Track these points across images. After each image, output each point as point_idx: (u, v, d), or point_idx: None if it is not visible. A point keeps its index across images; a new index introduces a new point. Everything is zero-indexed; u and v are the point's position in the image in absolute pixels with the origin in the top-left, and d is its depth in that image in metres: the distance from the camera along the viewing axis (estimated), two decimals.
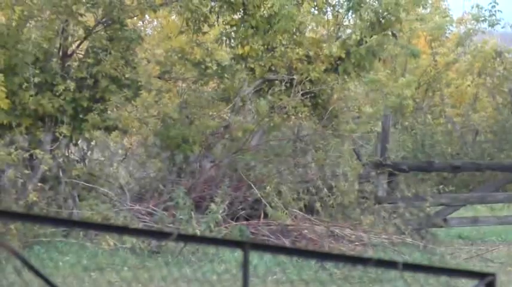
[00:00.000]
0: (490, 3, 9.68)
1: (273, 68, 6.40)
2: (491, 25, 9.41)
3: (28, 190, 5.45)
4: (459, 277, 1.83)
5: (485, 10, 9.69)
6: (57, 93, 5.52)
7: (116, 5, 5.48)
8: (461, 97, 9.35)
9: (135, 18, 5.83)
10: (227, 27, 6.15)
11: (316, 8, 6.44)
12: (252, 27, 5.98)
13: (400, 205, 7.14)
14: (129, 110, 5.78)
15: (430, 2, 7.89)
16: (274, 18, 6.01)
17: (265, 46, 6.24)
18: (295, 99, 6.31)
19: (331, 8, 6.64)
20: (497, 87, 9.38)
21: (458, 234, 7.69)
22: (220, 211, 6.27)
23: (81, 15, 5.50)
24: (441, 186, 7.41)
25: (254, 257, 4.59)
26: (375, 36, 6.43)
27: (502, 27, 9.94)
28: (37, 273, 1.40)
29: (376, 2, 6.64)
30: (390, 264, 1.54)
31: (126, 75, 5.64)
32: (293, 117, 6.41)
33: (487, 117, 9.17)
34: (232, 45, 6.26)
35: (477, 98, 9.53)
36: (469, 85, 9.22)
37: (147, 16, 6.12)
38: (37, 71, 5.35)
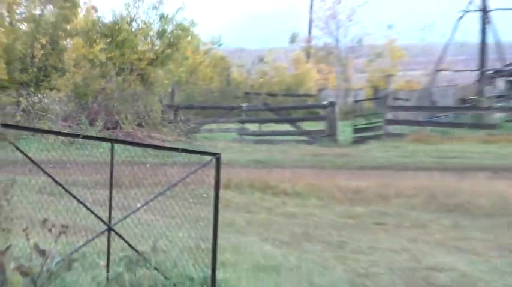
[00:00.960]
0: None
1: (123, 63, 14.71)
2: (219, 45, 20.58)
3: (16, 115, 12.50)
4: (203, 155, 3.75)
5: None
6: (29, 73, 12.62)
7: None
8: (206, 77, 20.09)
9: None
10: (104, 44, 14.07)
11: (143, 36, 14.91)
12: (116, 45, 14.04)
13: (181, 124, 16.65)
14: (61, 80, 13.36)
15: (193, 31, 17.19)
16: (124, 42, 14.23)
17: (120, 53, 14.44)
18: (133, 77, 14.82)
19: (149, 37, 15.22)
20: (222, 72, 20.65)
21: (205, 137, 17.68)
22: (100, 126, 14.39)
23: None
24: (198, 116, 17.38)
25: (118, 147, 13.08)
26: (169, 50, 15.32)
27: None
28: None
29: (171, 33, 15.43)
30: (174, 149, 10.52)
31: (60, 65, 13.16)
32: (133, 85, 14.94)
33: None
34: (106, 52, 14.20)
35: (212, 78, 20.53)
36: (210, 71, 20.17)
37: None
38: (20, 63, 12.40)
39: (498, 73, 19.68)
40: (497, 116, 15.70)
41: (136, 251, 3.34)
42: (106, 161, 3.75)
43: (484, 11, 16.60)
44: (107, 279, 3.24)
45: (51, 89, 12.95)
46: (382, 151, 13.04)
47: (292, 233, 6.10)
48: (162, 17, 14.09)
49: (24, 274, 2.76)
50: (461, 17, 18.53)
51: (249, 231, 6.06)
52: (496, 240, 5.90)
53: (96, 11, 14.13)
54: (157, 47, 15.22)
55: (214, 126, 17.33)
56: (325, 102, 15.33)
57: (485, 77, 19.02)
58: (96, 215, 3.34)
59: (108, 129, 14.44)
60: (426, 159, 12.50)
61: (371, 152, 13.05)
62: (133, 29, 13.93)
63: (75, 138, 7.65)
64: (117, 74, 14.31)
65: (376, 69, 21.22)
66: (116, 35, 13.82)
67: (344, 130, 15.20)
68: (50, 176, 3.23)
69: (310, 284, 4.10)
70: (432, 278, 4.48)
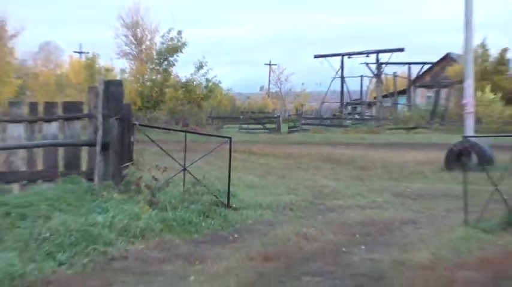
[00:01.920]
0: None
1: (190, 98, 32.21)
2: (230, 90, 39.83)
3: (144, 121, 29.97)
4: (224, 138, 7.15)
5: None
6: (150, 102, 30.01)
7: None
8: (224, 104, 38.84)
9: None
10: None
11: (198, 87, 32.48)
12: (187, 91, 31.72)
13: (214, 124, 33.93)
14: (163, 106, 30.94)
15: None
16: (191, 90, 31.81)
17: (189, 94, 32.06)
18: (194, 105, 32.47)
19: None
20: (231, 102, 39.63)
21: (225, 131, 34.56)
22: (180, 125, 31.73)
23: None
24: None
25: (188, 135, 29.03)
26: (210, 93, 32.81)
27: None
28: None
29: None
30: (211, 135, 23.79)
31: (163, 99, 30.69)
32: (194, 108, 32.64)
33: None
34: (183, 94, 31.84)
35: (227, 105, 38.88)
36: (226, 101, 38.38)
37: None
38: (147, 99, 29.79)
39: (348, 103, 39.98)
40: (348, 122, 33.22)
41: (196, 178, 6.22)
42: (182, 140, 6.68)
43: (342, 77, 34.15)
44: (183, 191, 6.16)
45: (159, 110, 30.13)
46: (300, 136, 29.46)
47: (262, 172, 10.99)
48: (207, 79, 30.93)
49: (147, 187, 5.67)
50: (333, 79, 38.32)
51: (243, 170, 10.18)
52: (349, 175, 10.75)
53: (178, 77, 31.42)
54: (204, 92, 32.07)
55: (228, 125, 34.25)
56: (276, 115, 33.24)
57: (343, 105, 38.49)
58: (177, 162, 6.22)
59: (184, 126, 31.55)
60: (318, 140, 28.47)
61: (295, 137, 29.36)
62: (194, 83, 30.88)
63: (169, 131, 13.74)
64: (188, 103, 31.43)
65: (297, 101, 45.94)
66: (187, 86, 30.92)
67: (284, 127, 31.96)
68: (158, 145, 6.34)
69: (270, 192, 7.63)
70: (322, 190, 8.20)
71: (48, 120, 6.18)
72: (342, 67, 35.67)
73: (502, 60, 26.49)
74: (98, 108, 5.90)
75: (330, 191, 8.23)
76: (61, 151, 6.23)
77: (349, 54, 34.19)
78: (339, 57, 34.99)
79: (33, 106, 6.43)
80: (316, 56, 35.74)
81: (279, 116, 31.51)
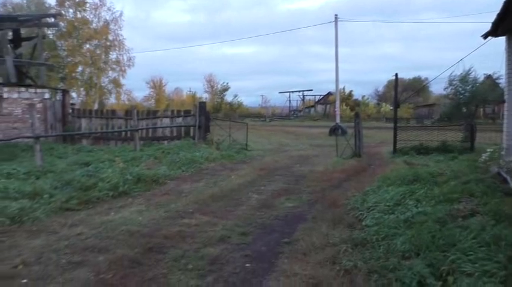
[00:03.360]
0: None
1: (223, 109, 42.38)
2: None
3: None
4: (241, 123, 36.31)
5: None
6: (221, 110, 40.32)
7: None
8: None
9: None
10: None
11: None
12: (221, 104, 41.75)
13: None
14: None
15: None
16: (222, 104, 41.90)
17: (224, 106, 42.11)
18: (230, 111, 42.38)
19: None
20: None
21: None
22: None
23: None
24: None
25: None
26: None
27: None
28: None
29: None
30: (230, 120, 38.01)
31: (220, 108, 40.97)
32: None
33: None
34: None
35: None
36: None
37: None
38: (214, 108, 40.32)
39: (292, 110, 62.61)
40: (292, 117, 47.33)
41: (233, 139, 26.14)
42: (230, 124, 28.99)
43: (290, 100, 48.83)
44: (229, 143, 29.06)
45: (218, 113, 40.29)
46: (273, 123, 38.44)
47: (258, 136, 20.44)
48: (234, 97, 41.82)
49: (215, 142, 15.38)
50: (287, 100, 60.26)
51: (251, 136, 19.08)
52: (292, 138, 20.42)
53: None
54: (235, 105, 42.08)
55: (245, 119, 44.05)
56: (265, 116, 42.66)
57: (290, 111, 62.50)
58: (226, 132, 26.19)
59: (229, 120, 41.63)
60: (280, 124, 37.52)
61: (271, 123, 38.45)
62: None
63: (224, 121, 34.23)
64: (230, 110, 41.56)
65: (272, 109, 62.40)
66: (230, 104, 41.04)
67: (268, 120, 41.25)
68: (219, 126, 28.84)
69: (261, 144, 18.35)
70: (282, 143, 17.82)
71: (178, 116, 15.96)
72: (289, 96, 65.58)
73: (349, 96, 59.75)
74: (196, 111, 15.52)
75: (285, 144, 18.71)
76: (183, 129, 15.94)
77: (293, 91, 65.48)
78: (287, 93, 65.68)
79: (172, 111, 16.31)
80: (280, 92, 69.31)
81: (265, 116, 54.24)
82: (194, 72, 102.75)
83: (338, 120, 28.01)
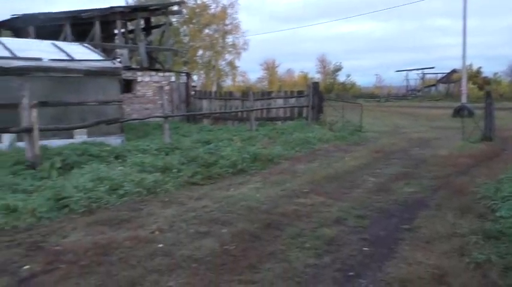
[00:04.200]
0: None
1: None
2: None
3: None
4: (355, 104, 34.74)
5: None
6: (334, 89, 39.88)
7: None
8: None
9: None
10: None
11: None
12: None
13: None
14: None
15: None
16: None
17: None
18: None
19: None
20: None
21: None
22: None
23: None
24: None
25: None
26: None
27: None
28: None
29: None
30: None
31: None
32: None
33: None
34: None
35: None
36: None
37: None
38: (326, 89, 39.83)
39: (409, 90, 59.22)
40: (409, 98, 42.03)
41: (347, 119, 28.23)
42: (343, 105, 28.54)
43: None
44: (342, 124, 27.93)
45: (330, 93, 39.59)
46: (390, 103, 35.31)
47: (373, 117, 21.44)
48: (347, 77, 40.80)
49: (328, 122, 16.39)
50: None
51: (365, 117, 15.54)
52: (410, 119, 21.41)
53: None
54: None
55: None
56: (380, 95, 39.05)
57: (407, 90, 57.07)
58: (339, 113, 28.45)
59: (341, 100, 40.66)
60: (397, 105, 34.23)
61: (387, 103, 35.44)
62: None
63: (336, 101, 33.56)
64: (342, 90, 40.32)
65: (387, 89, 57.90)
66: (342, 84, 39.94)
67: (383, 100, 37.96)
68: (331, 106, 28.69)
69: (376, 125, 16.54)
70: (398, 125, 17.12)
71: (291, 97, 16.11)
72: (407, 75, 61.54)
73: (477, 73, 53.83)
74: (310, 92, 15.47)
75: (401, 126, 17.87)
76: (296, 109, 16.06)
77: (411, 70, 61.03)
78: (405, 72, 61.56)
79: (286, 92, 16.53)
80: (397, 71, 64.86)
81: (380, 96, 53.14)
82: (306, 53, 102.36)
83: (464, 100, 25.54)
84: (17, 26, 16.49)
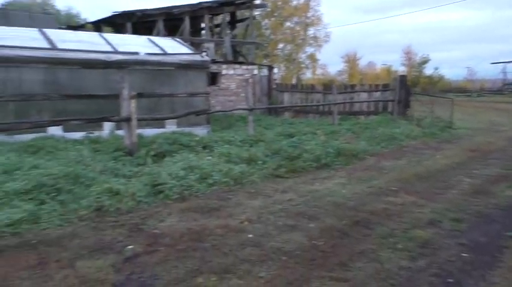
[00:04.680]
0: None
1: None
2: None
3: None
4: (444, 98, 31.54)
5: None
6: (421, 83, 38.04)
7: None
8: None
9: None
10: None
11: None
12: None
13: None
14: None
15: None
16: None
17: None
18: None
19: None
20: None
21: None
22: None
23: None
24: None
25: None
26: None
27: None
28: None
29: None
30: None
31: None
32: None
33: None
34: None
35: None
36: None
37: None
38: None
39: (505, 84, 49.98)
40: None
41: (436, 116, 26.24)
42: (431, 99, 26.93)
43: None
44: (431, 120, 25.85)
45: (415, 87, 37.58)
46: (482, 98, 31.73)
47: (464, 113, 19.10)
48: (434, 69, 39.08)
49: (416, 118, 17.39)
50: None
51: (454, 112, 20.09)
52: (505, 115, 26.05)
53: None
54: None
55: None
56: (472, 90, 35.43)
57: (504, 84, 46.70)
58: (427, 108, 26.69)
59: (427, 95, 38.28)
60: (489, 100, 30.52)
61: (479, 99, 31.88)
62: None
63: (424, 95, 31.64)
64: (429, 84, 37.82)
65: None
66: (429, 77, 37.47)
67: (474, 95, 34.32)
68: (419, 101, 26.74)
69: (469, 122, 15.75)
70: (493, 122, 15.03)
71: (376, 91, 15.53)
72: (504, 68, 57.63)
73: None
74: (396, 85, 14.77)
75: (498, 123, 16.82)
76: (380, 103, 15.45)
77: (510, 62, 57.16)
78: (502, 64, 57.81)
79: (370, 85, 15.96)
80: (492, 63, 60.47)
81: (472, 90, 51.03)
82: (389, 44, 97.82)
83: None
84: (117, 23, 17.79)
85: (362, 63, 60.55)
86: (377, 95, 15.53)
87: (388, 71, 53.48)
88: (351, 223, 4.69)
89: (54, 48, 9.81)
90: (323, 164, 7.80)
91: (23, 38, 9.97)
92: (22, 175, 5.33)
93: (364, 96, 15.69)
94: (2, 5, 36.76)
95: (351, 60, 56.46)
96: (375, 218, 4.85)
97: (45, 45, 9.89)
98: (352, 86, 17.08)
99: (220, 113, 13.95)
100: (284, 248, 3.93)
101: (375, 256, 3.81)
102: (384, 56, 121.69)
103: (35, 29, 11.30)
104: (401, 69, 53.55)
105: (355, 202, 5.51)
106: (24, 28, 11.54)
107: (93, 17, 49.44)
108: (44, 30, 11.15)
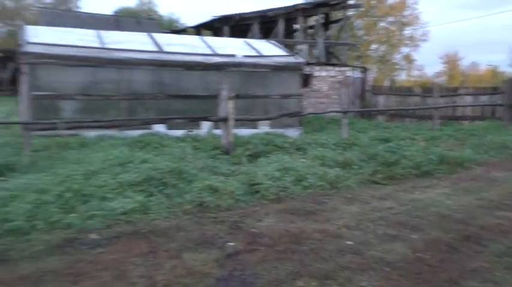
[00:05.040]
0: None
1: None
2: None
3: None
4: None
5: None
6: None
7: None
8: None
9: None
10: None
11: None
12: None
13: None
14: None
15: None
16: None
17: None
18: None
19: None
20: None
21: None
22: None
23: None
24: None
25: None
26: None
27: None
28: None
29: None
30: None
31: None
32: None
33: None
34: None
35: None
36: None
37: None
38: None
39: None
40: None
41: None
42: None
43: None
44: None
45: None
46: None
47: None
48: None
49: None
50: None
51: None
52: None
53: None
54: None
55: None
56: None
57: None
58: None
59: None
60: None
61: None
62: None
63: None
64: None
65: None
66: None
67: None
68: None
69: None
70: None
71: (483, 94, 14.27)
72: None
73: None
74: (507, 88, 13.40)
75: None
76: (487, 108, 14.16)
77: None
78: None
79: (476, 89, 14.72)
80: None
81: None
82: (496, 43, 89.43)
83: None
84: (215, 26, 18.64)
85: (463, 63, 56.19)
86: (484, 98, 14.27)
87: (493, 72, 48.90)
88: (460, 237, 4.34)
89: (161, 51, 10.54)
90: (424, 171, 7.35)
91: (134, 42, 10.87)
92: (133, 168, 5.80)
93: (468, 99, 14.52)
94: (114, 12, 40.51)
95: (451, 61, 52.67)
96: (487, 234, 4.44)
97: (154, 48, 10.67)
98: (455, 89, 15.89)
99: (312, 115, 13.87)
100: (386, 259, 3.77)
101: (490, 276, 3.49)
102: (488, 57, 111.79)
103: (145, 33, 12.25)
104: (510, 70, 48.64)
105: (462, 215, 5.10)
106: (135, 33, 12.58)
107: (191, 22, 52.45)
108: (152, 34, 12.04)
